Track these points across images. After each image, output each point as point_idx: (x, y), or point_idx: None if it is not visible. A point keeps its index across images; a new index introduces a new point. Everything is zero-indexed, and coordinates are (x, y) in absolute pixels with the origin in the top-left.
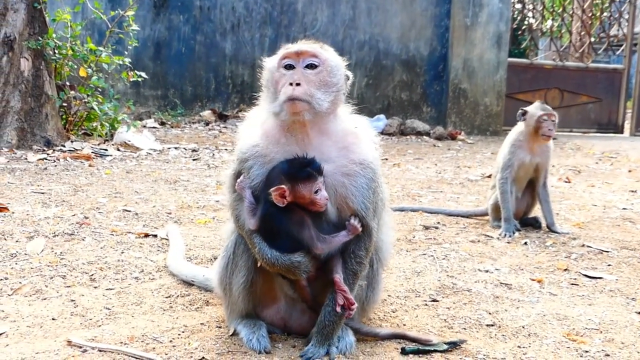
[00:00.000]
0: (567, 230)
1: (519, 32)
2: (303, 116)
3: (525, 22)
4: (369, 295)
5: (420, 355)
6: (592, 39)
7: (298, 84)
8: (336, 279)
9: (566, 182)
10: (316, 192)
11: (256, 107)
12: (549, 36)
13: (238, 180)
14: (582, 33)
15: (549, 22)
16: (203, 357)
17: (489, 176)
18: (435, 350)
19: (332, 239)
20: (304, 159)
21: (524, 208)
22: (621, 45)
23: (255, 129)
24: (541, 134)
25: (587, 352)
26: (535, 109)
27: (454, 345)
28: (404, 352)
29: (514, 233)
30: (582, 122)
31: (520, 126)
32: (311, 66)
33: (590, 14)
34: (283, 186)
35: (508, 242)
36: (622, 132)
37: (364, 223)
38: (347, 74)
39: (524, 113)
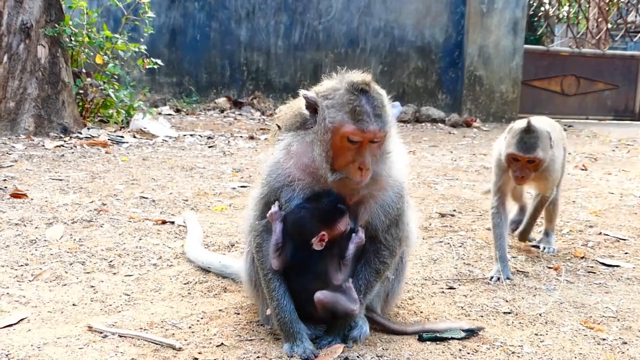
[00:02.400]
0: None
1: (535, 19)
2: (360, 188)
3: (542, 9)
4: (394, 287)
5: (438, 342)
6: (609, 26)
7: (367, 169)
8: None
9: (582, 169)
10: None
11: (292, 132)
12: (565, 22)
13: (272, 210)
14: (599, 19)
15: (566, 8)
16: (222, 343)
17: None
18: (453, 338)
19: (346, 262)
20: (328, 198)
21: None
22: (639, 32)
23: (290, 158)
24: (511, 175)
25: (604, 339)
26: (512, 137)
27: (471, 333)
28: (421, 338)
29: (508, 278)
30: (598, 109)
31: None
32: (374, 141)
33: (607, 0)
34: (324, 232)
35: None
36: (638, 120)
37: (380, 235)
38: (397, 113)
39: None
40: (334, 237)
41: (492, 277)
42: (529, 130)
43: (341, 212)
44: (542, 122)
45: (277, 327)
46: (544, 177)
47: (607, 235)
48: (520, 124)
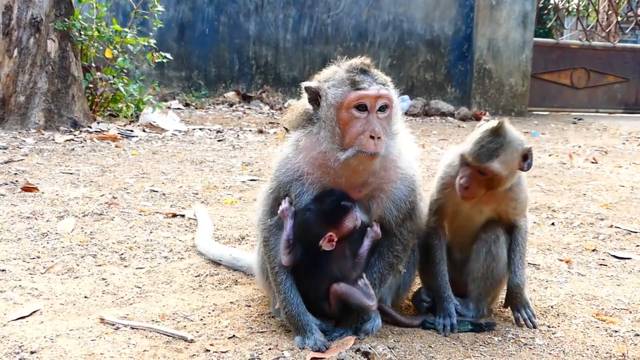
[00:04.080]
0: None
1: (545, 12)
2: (373, 165)
3: (551, 1)
4: (406, 280)
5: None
6: (619, 18)
7: (379, 137)
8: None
9: (593, 162)
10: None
11: (300, 130)
12: (575, 15)
13: (283, 206)
14: (609, 12)
15: (575, 1)
16: (234, 335)
17: None
18: (460, 330)
19: (360, 259)
20: (332, 197)
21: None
22: None
23: (299, 153)
24: (456, 182)
25: (616, 331)
26: (474, 135)
27: (480, 328)
28: (424, 326)
29: (458, 329)
30: (608, 102)
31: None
32: (383, 108)
33: None
34: (331, 233)
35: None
36: None
37: (394, 229)
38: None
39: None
40: (343, 235)
41: (443, 325)
42: (497, 132)
43: (345, 210)
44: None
45: (286, 320)
46: (508, 199)
47: (618, 227)
48: (491, 123)
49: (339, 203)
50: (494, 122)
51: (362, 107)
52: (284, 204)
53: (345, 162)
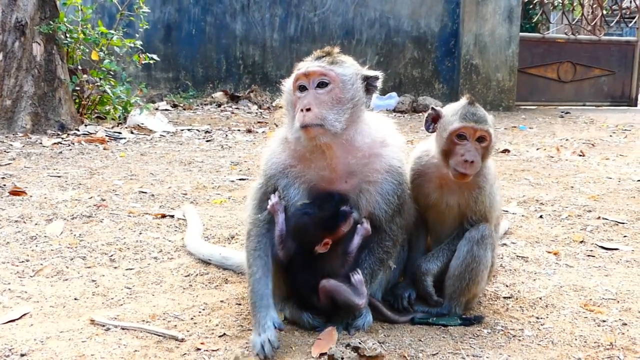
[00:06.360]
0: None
1: (531, 6)
2: (319, 140)
3: None
4: (395, 275)
5: (441, 326)
6: (605, 12)
7: (308, 109)
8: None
9: (580, 155)
10: None
11: (284, 126)
12: (560, 9)
13: (273, 201)
14: (594, 6)
15: None
16: (224, 334)
17: (503, 151)
18: (447, 325)
19: (350, 256)
20: (331, 203)
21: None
22: (634, 18)
23: (285, 148)
24: (452, 165)
25: (604, 321)
26: (453, 114)
27: (469, 322)
28: (412, 322)
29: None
30: (595, 95)
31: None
32: (322, 85)
33: None
34: (327, 240)
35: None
36: (635, 105)
37: (384, 225)
38: (366, 74)
39: (436, 118)
40: (338, 238)
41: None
42: (473, 103)
43: (345, 216)
44: None
45: (251, 312)
46: (473, 186)
47: (605, 219)
48: (462, 103)
49: (338, 209)
50: (461, 99)
51: (302, 87)
52: (274, 199)
53: (298, 142)
